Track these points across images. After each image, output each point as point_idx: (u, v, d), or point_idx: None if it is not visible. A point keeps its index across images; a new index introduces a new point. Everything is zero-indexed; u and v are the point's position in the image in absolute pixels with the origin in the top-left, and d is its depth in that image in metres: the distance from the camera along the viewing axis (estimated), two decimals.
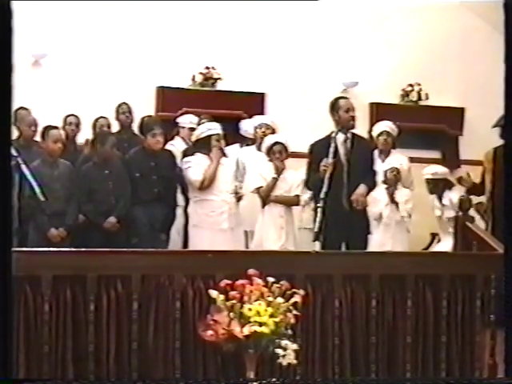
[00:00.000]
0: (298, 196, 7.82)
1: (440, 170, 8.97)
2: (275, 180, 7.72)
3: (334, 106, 7.06)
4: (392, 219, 8.22)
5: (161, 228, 7.68)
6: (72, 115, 8.56)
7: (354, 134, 7.13)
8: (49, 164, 7.36)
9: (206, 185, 7.52)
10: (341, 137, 6.98)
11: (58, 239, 7.18)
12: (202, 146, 7.63)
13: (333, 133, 6.95)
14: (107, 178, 7.60)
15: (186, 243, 8.09)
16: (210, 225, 7.53)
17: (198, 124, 8.60)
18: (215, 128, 7.69)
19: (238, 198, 7.75)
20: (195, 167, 7.56)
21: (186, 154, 8.19)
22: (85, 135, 8.55)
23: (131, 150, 7.93)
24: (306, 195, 8.03)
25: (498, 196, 7.74)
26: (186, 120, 8.94)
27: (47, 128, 7.50)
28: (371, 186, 7.13)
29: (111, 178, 7.61)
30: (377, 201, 8.00)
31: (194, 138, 7.84)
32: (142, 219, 7.60)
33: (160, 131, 7.77)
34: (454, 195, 8.64)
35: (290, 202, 7.81)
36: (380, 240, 7.97)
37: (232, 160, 7.96)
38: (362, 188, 6.89)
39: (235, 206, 7.68)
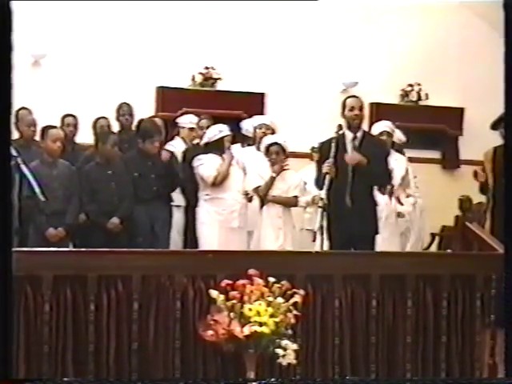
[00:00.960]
0: (296, 197, 7.82)
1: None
2: (273, 179, 7.72)
3: (343, 106, 7.06)
4: (389, 219, 8.19)
5: (164, 227, 7.74)
6: (70, 115, 8.54)
7: (365, 133, 7.11)
8: (48, 164, 7.36)
9: (219, 181, 7.62)
10: (349, 135, 6.97)
11: (56, 239, 7.17)
12: (214, 147, 7.76)
13: (338, 132, 6.93)
14: (110, 178, 7.62)
15: (186, 243, 8.11)
16: (221, 223, 7.62)
17: (198, 124, 8.62)
18: (226, 130, 7.77)
19: (249, 199, 7.80)
20: (208, 164, 7.67)
21: (186, 154, 8.24)
22: (83, 135, 8.55)
23: (127, 153, 7.96)
24: (308, 196, 8.02)
25: (499, 195, 7.74)
26: (186, 120, 8.94)
27: (46, 128, 7.51)
28: (383, 184, 7.13)
29: (114, 179, 7.63)
30: None
31: (205, 141, 7.90)
32: (143, 219, 7.63)
33: (159, 138, 7.82)
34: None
35: (288, 203, 7.81)
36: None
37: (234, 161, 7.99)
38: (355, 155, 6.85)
39: (245, 207, 7.74)
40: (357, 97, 7.29)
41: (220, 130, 7.80)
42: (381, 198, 8.06)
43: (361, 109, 7.06)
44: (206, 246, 7.50)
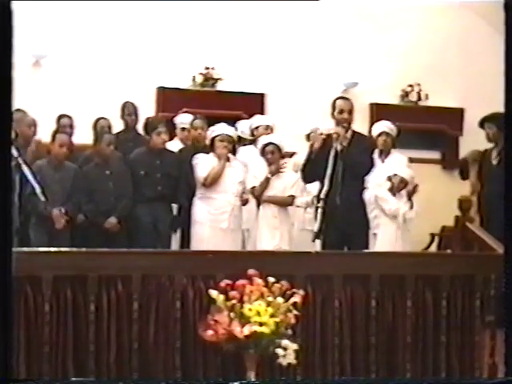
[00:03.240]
0: (292, 196, 7.81)
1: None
2: (268, 180, 7.72)
3: (333, 106, 7.08)
4: (404, 218, 8.17)
5: (166, 227, 7.77)
6: (65, 116, 8.51)
7: (354, 133, 7.12)
8: (53, 166, 7.45)
9: (209, 182, 7.61)
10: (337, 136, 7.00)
11: (61, 221, 7.22)
12: (212, 146, 7.73)
13: (335, 134, 6.94)
14: (108, 178, 7.66)
15: (185, 242, 8.12)
16: (211, 222, 7.60)
17: (192, 124, 8.58)
18: (218, 129, 7.76)
19: (244, 202, 7.79)
20: (202, 164, 7.67)
21: (182, 154, 8.24)
22: (84, 136, 8.54)
23: (136, 150, 7.99)
24: (308, 197, 8.02)
25: (486, 195, 7.80)
26: (178, 121, 8.96)
27: (55, 132, 7.69)
28: (364, 171, 7.13)
29: (112, 179, 7.66)
30: (384, 199, 7.93)
31: (207, 140, 7.93)
32: (146, 218, 7.65)
33: (164, 130, 7.89)
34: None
35: (284, 203, 7.79)
36: (390, 239, 7.88)
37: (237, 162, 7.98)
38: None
39: (238, 208, 7.73)
40: (347, 98, 7.28)
41: (212, 130, 7.79)
42: (392, 199, 8.05)
43: (350, 112, 7.06)
44: (196, 245, 7.51)
